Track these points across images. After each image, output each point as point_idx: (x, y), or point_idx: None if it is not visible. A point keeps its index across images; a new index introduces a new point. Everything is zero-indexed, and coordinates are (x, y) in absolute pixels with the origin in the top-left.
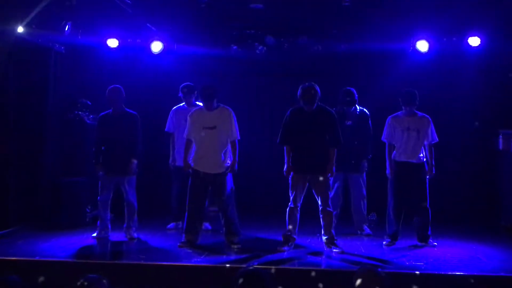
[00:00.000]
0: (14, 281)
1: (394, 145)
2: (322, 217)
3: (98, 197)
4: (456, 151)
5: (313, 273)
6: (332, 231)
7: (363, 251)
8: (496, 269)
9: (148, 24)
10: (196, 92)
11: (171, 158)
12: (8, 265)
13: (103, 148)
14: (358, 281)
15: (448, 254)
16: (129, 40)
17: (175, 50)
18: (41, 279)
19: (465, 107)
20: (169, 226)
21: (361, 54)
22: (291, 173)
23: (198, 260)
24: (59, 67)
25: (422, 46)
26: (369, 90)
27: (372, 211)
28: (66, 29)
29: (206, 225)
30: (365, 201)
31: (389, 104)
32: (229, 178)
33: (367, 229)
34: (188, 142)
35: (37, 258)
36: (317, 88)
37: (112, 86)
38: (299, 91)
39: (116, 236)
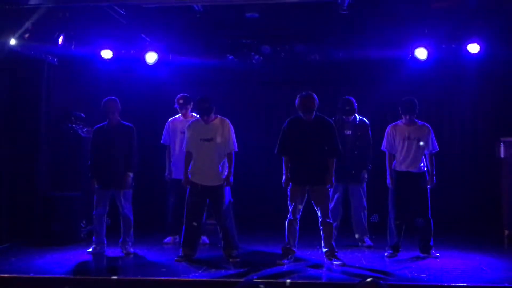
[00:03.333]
0: None
1: (394, 155)
2: (322, 229)
3: (94, 212)
4: (457, 160)
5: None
6: (333, 243)
7: (364, 263)
8: (500, 279)
9: (142, 35)
10: (192, 103)
11: (167, 171)
12: (3, 282)
13: (98, 161)
14: None
15: (451, 265)
16: (123, 51)
17: (170, 60)
18: None
19: (466, 115)
20: (166, 240)
21: (359, 62)
22: (290, 184)
23: (196, 274)
24: (52, 80)
25: (421, 53)
26: (368, 99)
27: (371, 225)
28: (59, 40)
29: (204, 238)
30: (366, 212)
31: (389, 113)
32: (227, 190)
33: (368, 241)
34: (188, 155)
35: (32, 275)
36: (315, 97)
37: (107, 97)
38: (297, 101)
39: (112, 251)
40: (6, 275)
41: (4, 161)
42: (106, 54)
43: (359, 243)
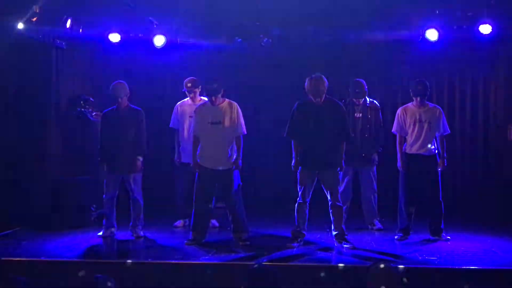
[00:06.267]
0: (22, 282)
1: (405, 137)
2: (331, 212)
3: (103, 196)
4: (469, 142)
5: (323, 270)
6: (343, 226)
7: (374, 246)
8: None
9: (150, 18)
10: (200, 86)
11: (176, 155)
12: (14, 265)
13: (107, 145)
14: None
15: (462, 248)
16: (131, 35)
17: (178, 43)
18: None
19: (477, 97)
20: (176, 223)
21: (369, 44)
22: (299, 167)
23: (206, 258)
24: (60, 63)
25: (432, 34)
26: (378, 81)
27: (381, 208)
28: (67, 24)
29: (214, 222)
30: (376, 195)
31: (399, 95)
32: (236, 174)
33: (378, 224)
34: (196, 139)
35: (42, 259)
36: (325, 79)
37: (116, 81)
38: (306, 83)
39: (122, 234)
40: (16, 259)
41: (13, 145)
42: (114, 37)
43: (369, 226)
